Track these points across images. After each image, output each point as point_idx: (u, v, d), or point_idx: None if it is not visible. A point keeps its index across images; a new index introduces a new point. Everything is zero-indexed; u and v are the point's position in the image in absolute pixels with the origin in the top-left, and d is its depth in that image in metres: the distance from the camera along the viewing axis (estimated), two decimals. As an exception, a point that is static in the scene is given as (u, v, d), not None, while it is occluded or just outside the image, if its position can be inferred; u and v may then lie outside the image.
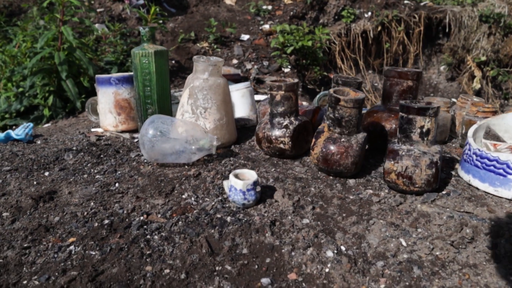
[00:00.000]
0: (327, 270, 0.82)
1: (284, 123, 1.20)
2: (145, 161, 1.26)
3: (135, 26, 3.57)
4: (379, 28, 4.19)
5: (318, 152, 1.10)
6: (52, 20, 2.66)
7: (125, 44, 3.15)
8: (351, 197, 1.07)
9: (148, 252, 0.85)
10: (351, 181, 1.14)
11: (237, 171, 1.01)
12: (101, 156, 1.31)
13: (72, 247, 0.87)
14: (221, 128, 1.29)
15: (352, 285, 0.79)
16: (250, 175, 1.01)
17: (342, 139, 1.09)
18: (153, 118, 1.13)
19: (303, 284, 0.79)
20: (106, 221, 0.95)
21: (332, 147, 1.08)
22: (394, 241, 0.90)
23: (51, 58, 2.41)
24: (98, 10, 3.67)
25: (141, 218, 0.97)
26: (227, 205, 1.01)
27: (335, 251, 0.86)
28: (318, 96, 1.96)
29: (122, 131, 1.51)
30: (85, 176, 1.17)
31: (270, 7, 4.11)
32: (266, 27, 3.81)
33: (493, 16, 4.10)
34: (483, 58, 4.21)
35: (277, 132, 1.20)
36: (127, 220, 0.96)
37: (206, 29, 3.55)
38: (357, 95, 1.09)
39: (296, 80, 1.19)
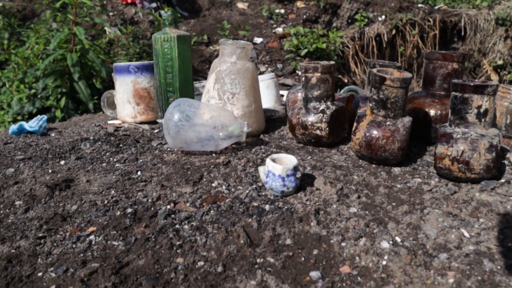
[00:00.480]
0: (384, 262, 0.72)
1: (321, 108, 1.10)
2: (169, 149, 1.17)
3: (148, 29, 3.53)
4: (393, 32, 4.12)
5: (361, 137, 1.00)
6: (65, 22, 2.63)
7: (138, 46, 3.11)
8: (398, 185, 0.96)
9: (178, 243, 0.76)
10: (396, 170, 1.03)
11: (274, 155, 0.91)
12: (120, 145, 1.22)
13: (92, 237, 0.77)
14: (249, 115, 1.19)
15: (415, 279, 0.68)
16: (289, 160, 0.91)
17: (388, 123, 0.99)
18: (179, 101, 1.04)
19: (358, 278, 0.68)
20: (129, 210, 0.86)
21: (376, 132, 0.98)
22: (455, 231, 0.80)
23: (64, 60, 2.37)
24: (111, 13, 3.64)
25: (168, 207, 0.87)
26: (263, 193, 0.91)
27: (391, 242, 0.76)
28: (342, 90, 1.87)
29: (141, 122, 1.42)
30: (104, 164, 1.08)
31: (283, 11, 4.07)
32: (280, 30, 3.76)
33: (509, 19, 4.01)
34: (500, 62, 4.12)
35: (312, 118, 1.10)
36: (152, 209, 0.87)
37: (219, 31, 3.51)
38: (403, 74, 0.99)
39: (332, 62, 1.10)
